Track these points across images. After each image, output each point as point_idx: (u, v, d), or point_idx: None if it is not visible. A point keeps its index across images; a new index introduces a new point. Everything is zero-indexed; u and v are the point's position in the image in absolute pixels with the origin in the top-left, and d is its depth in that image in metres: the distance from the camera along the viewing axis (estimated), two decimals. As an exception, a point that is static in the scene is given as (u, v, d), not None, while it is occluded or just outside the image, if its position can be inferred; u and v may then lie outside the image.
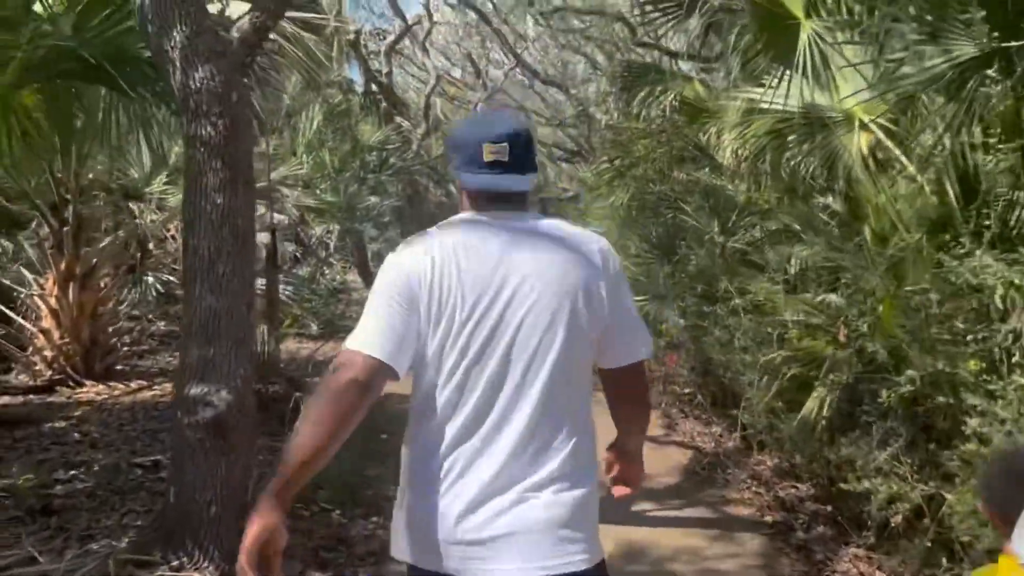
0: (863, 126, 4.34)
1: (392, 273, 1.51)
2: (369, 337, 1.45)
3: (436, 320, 1.47)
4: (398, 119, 14.09)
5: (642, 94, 8.39)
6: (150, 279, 8.06)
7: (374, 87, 14.14)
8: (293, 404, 4.70)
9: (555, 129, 25.38)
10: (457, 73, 23.62)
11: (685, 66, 10.59)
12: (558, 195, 22.56)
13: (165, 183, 7.81)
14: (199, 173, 2.88)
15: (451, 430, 1.48)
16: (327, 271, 10.58)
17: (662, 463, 4.54)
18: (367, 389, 1.41)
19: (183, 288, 2.94)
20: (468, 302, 1.47)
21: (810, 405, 3.59)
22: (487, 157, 1.54)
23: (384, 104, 13.22)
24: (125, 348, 7.17)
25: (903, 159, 4.15)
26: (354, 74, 16.10)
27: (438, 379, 1.49)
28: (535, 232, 1.56)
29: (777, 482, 4.02)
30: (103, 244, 7.81)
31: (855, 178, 4.37)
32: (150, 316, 8.60)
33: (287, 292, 8.45)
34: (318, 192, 9.56)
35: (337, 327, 8.81)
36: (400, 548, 1.53)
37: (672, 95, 8.08)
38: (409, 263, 1.50)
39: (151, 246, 8.76)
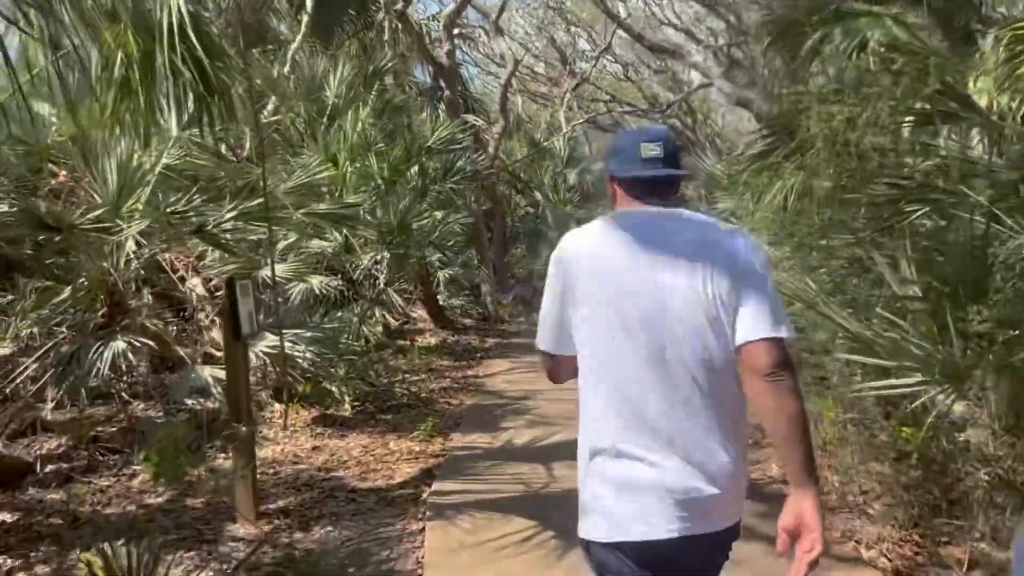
0: None
1: (551, 268, 1.74)
2: (539, 330, 1.78)
3: (580, 306, 1.66)
4: (468, 117, 11.41)
5: (811, 41, 5.54)
6: (120, 344, 5.50)
7: (440, 81, 11.55)
8: None
9: (654, 122, 22.36)
10: (539, 69, 20.95)
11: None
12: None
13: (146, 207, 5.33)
14: None
15: (605, 413, 1.63)
16: (376, 313, 7.97)
17: None
18: (553, 375, 1.83)
19: None
20: (608, 290, 1.63)
21: None
22: (644, 154, 1.72)
23: (446, 93, 10.58)
24: (55, 466, 4.71)
25: None
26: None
27: (589, 361, 1.66)
28: (680, 223, 1.68)
29: None
30: (61, 297, 5.52)
31: None
32: (123, 393, 6.17)
33: (308, 354, 5.82)
34: (354, 202, 6.94)
35: (383, 403, 6.12)
36: (583, 528, 1.68)
37: (872, 36, 5.22)
38: (559, 256, 1.73)
39: (144, 294, 6.38)
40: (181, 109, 4.81)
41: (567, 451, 1.95)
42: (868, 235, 4.07)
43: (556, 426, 5.06)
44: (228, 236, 5.71)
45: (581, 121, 17.11)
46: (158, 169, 5.58)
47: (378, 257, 8.01)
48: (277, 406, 5.87)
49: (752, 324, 1.58)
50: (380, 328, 7.68)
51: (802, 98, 5.24)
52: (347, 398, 5.90)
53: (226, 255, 6.22)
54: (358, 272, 8.19)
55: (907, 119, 4.17)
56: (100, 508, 4.04)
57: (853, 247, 4.25)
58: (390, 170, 8.32)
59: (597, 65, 16.80)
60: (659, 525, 1.59)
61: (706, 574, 1.74)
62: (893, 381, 3.13)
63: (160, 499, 4.11)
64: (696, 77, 21.48)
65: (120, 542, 3.17)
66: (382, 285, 7.97)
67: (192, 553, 3.39)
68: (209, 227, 5.28)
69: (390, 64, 9.69)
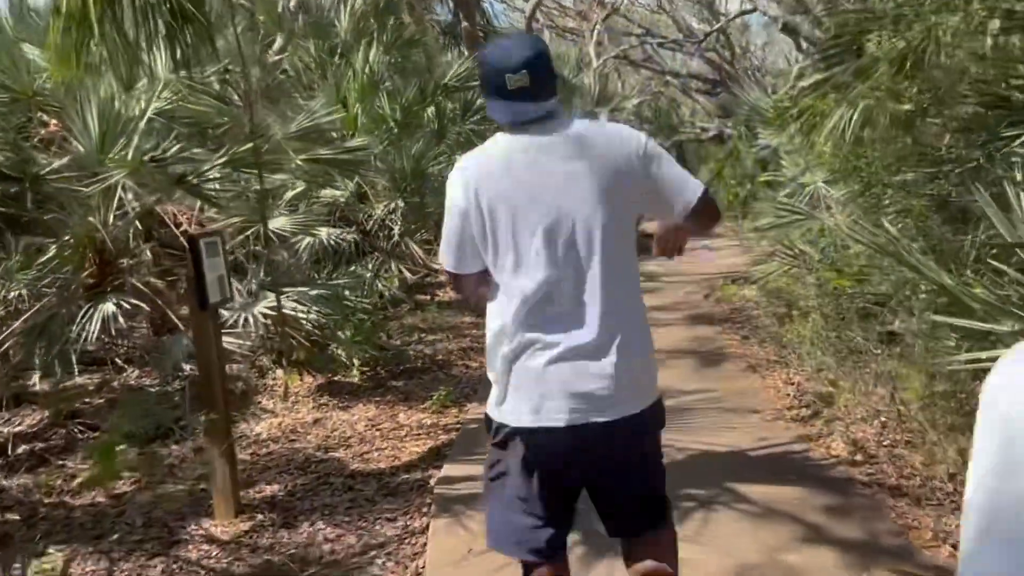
0: None
1: (448, 192, 1.78)
2: (441, 251, 1.84)
3: (491, 228, 1.72)
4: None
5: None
6: (110, 306, 5.00)
7: (460, 14, 10.73)
8: None
9: (688, 57, 21.22)
10: (567, 2, 19.90)
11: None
12: (695, 135, 18.61)
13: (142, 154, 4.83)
14: None
15: (527, 315, 1.70)
16: (392, 267, 7.40)
17: None
18: (459, 291, 1.96)
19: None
20: (512, 208, 1.70)
21: None
22: (511, 86, 1.69)
23: (464, 25, 9.80)
24: (29, 445, 4.27)
25: None
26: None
27: (504, 275, 1.73)
28: (563, 136, 1.73)
29: None
30: (47, 256, 5.09)
31: None
32: (118, 359, 5.73)
33: (312, 315, 5.28)
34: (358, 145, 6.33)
35: (396, 367, 5.59)
36: (504, 415, 1.75)
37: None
38: (458, 182, 1.76)
39: (143, 251, 5.89)
40: (152, 43, 4.24)
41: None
42: (958, 167, 3.36)
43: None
44: (216, 186, 5.16)
45: (612, 54, 16.16)
46: (149, 114, 5.03)
47: (392, 206, 7.42)
48: (279, 373, 5.38)
49: (682, 194, 1.76)
50: (395, 283, 7.12)
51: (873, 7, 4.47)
52: (355, 363, 5.36)
53: (231, 206, 5.71)
54: (371, 223, 7.63)
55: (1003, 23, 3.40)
56: (67, 498, 3.58)
57: (937, 182, 3.55)
58: (403, 111, 7.66)
59: (628, -5, 15.79)
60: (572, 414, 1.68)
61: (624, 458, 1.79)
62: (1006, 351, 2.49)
63: (134, 487, 3.64)
64: (734, 7, 20.24)
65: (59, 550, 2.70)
66: (397, 236, 7.39)
67: (156, 560, 2.89)
68: (190, 177, 4.72)
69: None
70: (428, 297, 8.09)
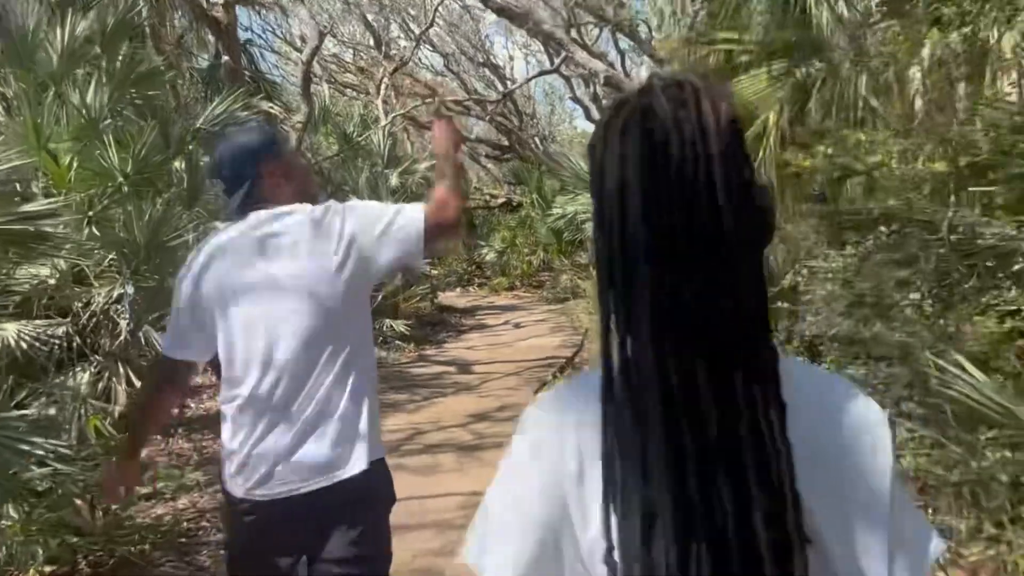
0: None
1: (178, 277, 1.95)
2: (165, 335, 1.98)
3: (208, 316, 1.83)
4: (260, 103, 8.76)
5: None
6: None
7: (219, 46, 8.79)
8: None
9: (475, 122, 20.46)
10: (348, 57, 18.45)
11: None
12: (484, 202, 17.71)
13: None
14: None
15: (239, 398, 1.79)
16: (121, 373, 5.27)
17: None
18: (158, 374, 2.07)
19: None
20: (221, 301, 1.81)
21: None
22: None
23: (226, 59, 7.90)
24: None
25: None
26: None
27: (222, 358, 1.84)
28: (258, 228, 1.82)
29: None
30: None
31: None
32: None
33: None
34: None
35: (109, 555, 3.53)
36: (232, 486, 1.81)
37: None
38: (183, 271, 1.92)
39: None
40: None
41: None
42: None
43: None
44: None
45: (402, 112, 14.80)
46: None
47: (118, 291, 5.32)
48: None
49: (402, 241, 1.77)
50: (121, 399, 5.02)
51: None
52: (37, 558, 3.28)
53: None
54: (88, 314, 5.47)
55: None
56: None
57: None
58: (137, 163, 5.62)
59: (417, 50, 14.55)
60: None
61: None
62: None
63: None
64: (520, 72, 19.82)
65: None
66: (126, 333, 5.28)
67: None
68: None
69: (140, 16, 6.91)
70: (176, 412, 5.96)
